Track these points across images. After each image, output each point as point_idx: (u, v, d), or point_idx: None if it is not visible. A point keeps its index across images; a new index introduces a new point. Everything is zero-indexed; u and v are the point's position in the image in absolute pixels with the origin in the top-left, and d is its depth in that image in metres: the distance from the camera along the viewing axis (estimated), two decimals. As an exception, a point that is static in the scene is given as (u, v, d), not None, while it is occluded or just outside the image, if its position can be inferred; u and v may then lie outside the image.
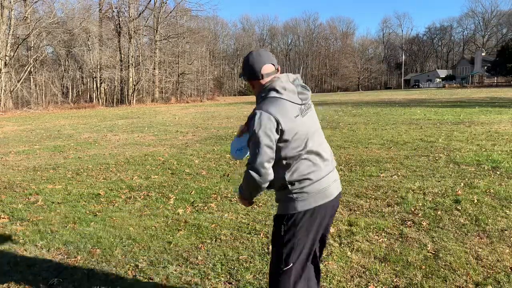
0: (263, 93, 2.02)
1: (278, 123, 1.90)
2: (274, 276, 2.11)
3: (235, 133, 3.00)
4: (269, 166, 1.93)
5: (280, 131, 1.91)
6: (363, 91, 79.00)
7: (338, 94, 65.87)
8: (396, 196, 4.98)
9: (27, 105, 32.45)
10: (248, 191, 2.06)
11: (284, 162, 1.99)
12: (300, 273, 2.09)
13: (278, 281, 2.09)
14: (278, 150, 1.95)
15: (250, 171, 1.94)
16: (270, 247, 2.41)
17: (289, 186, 2.00)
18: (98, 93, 42.12)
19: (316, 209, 2.03)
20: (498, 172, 5.92)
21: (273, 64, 2.05)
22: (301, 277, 2.10)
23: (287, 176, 1.99)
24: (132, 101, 40.82)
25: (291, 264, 2.05)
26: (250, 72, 2.05)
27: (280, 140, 1.93)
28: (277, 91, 1.97)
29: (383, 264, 3.20)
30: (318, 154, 2.05)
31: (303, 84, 2.09)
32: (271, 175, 1.95)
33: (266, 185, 1.98)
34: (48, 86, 37.51)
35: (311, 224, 2.04)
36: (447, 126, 11.68)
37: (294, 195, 2.00)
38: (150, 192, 5.62)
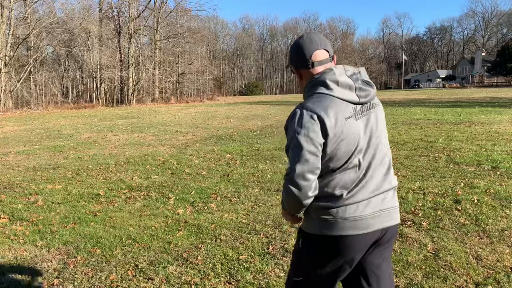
0: (310, 87, 1.62)
1: (323, 124, 1.50)
2: (288, 282, 1.86)
3: None
4: (312, 177, 1.53)
5: (325, 135, 1.52)
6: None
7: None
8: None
9: (27, 105, 32.46)
10: (288, 207, 1.67)
11: (328, 168, 1.59)
12: None
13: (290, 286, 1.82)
14: (325, 153, 1.56)
15: (288, 184, 1.56)
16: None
17: (319, 199, 1.62)
18: (98, 93, 42.13)
19: (341, 239, 1.59)
20: (498, 172, 5.91)
21: (327, 51, 1.64)
22: None
23: (325, 186, 1.62)
24: (132, 101, 40.83)
25: (300, 278, 1.75)
26: (299, 59, 1.64)
27: (324, 145, 1.54)
28: (326, 86, 1.56)
29: (383, 264, 3.19)
30: (358, 175, 1.60)
31: (366, 79, 1.64)
32: (314, 190, 1.56)
33: (309, 201, 1.58)
34: (48, 86, 37.53)
35: (330, 255, 1.64)
36: (447, 126, 11.67)
37: (316, 214, 1.62)
38: (150, 192, 5.62)
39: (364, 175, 1.61)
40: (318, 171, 1.55)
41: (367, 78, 1.66)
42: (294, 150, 1.54)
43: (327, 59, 1.63)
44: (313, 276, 1.70)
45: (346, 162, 1.57)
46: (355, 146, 1.57)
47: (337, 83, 1.56)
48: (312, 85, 1.61)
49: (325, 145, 1.53)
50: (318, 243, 1.64)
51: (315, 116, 1.51)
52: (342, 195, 1.58)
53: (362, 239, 1.61)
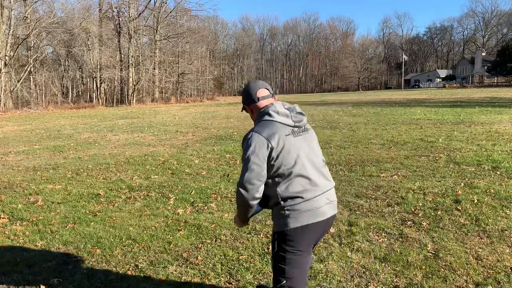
0: (259, 117, 2.16)
1: (268, 142, 2.00)
2: (275, 286, 2.14)
3: None
4: (257, 183, 1.99)
5: (270, 149, 2.01)
6: (363, 91, 78.99)
7: (337, 94, 65.87)
8: (396, 196, 4.98)
9: (27, 105, 32.46)
10: (239, 208, 2.13)
11: (276, 179, 2.05)
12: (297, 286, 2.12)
13: None
14: (271, 167, 2.03)
15: (239, 188, 2.02)
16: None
17: (281, 202, 2.05)
18: (98, 93, 42.13)
19: (307, 227, 2.06)
20: (498, 172, 5.92)
21: (267, 89, 2.23)
22: None
23: (280, 192, 2.05)
24: (132, 101, 40.83)
25: (284, 281, 2.09)
26: (248, 97, 2.21)
27: (271, 157, 2.02)
28: (270, 115, 2.11)
29: (383, 264, 3.20)
30: (308, 178, 2.08)
31: (300, 111, 2.23)
32: (258, 193, 2.02)
33: (254, 202, 2.04)
34: (48, 86, 37.53)
35: (302, 241, 2.08)
36: (447, 126, 11.68)
37: (287, 212, 2.05)
38: (150, 192, 5.62)
39: (312, 177, 2.09)
40: (263, 179, 2.01)
41: (300, 110, 2.22)
42: (244, 162, 2.01)
43: (268, 95, 2.20)
44: (293, 271, 2.08)
45: (293, 167, 2.04)
46: (297, 154, 2.06)
47: (277, 112, 2.11)
48: (260, 115, 2.15)
49: (272, 158, 2.01)
50: (290, 236, 2.05)
51: (261, 137, 2.01)
52: (301, 194, 2.04)
53: (321, 224, 2.10)
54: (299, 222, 2.04)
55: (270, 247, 2.24)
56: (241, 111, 2.36)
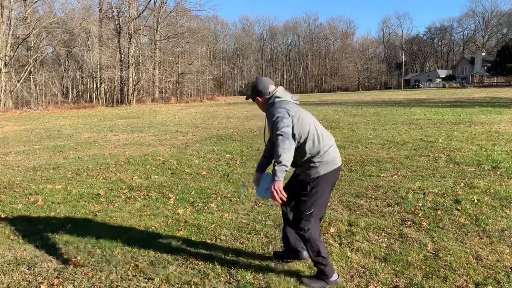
0: (270, 101, 2.92)
1: (287, 110, 2.78)
2: (301, 216, 2.87)
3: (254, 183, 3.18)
4: (288, 129, 2.67)
5: (291, 116, 2.76)
6: (363, 91, 78.95)
7: (337, 94, 65.86)
8: (396, 196, 4.98)
9: (27, 105, 32.46)
10: (285, 152, 2.58)
11: (301, 140, 2.79)
12: (318, 215, 2.94)
13: (305, 219, 2.87)
14: (295, 133, 2.74)
15: (279, 135, 2.64)
16: (285, 207, 3.04)
17: (311, 158, 2.82)
18: (98, 93, 42.12)
19: (331, 172, 2.87)
20: (498, 172, 5.92)
21: (273, 85, 3.01)
22: (318, 218, 2.97)
23: (309, 149, 2.80)
24: (132, 101, 40.83)
25: (313, 209, 2.86)
26: (262, 92, 2.96)
27: (293, 123, 2.75)
28: (279, 97, 2.92)
29: (383, 264, 3.20)
30: (322, 135, 2.86)
31: (292, 94, 3.06)
32: (291, 137, 2.67)
33: (293, 140, 2.67)
34: (48, 86, 37.52)
35: (327, 183, 2.89)
36: (447, 126, 11.68)
37: (317, 163, 2.83)
38: (150, 192, 5.62)
39: (325, 134, 2.91)
40: (290, 129, 2.71)
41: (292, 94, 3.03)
42: (278, 123, 2.69)
43: (274, 90, 2.96)
44: (320, 202, 2.89)
45: (310, 129, 2.82)
46: (309, 120, 2.87)
47: (283, 94, 2.93)
48: (272, 99, 2.93)
49: (294, 124, 2.76)
50: (323, 179, 2.85)
51: (281, 109, 2.78)
52: (325, 148, 2.85)
53: (338, 169, 2.96)
54: (328, 169, 2.85)
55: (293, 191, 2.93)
56: (246, 99, 3.13)
